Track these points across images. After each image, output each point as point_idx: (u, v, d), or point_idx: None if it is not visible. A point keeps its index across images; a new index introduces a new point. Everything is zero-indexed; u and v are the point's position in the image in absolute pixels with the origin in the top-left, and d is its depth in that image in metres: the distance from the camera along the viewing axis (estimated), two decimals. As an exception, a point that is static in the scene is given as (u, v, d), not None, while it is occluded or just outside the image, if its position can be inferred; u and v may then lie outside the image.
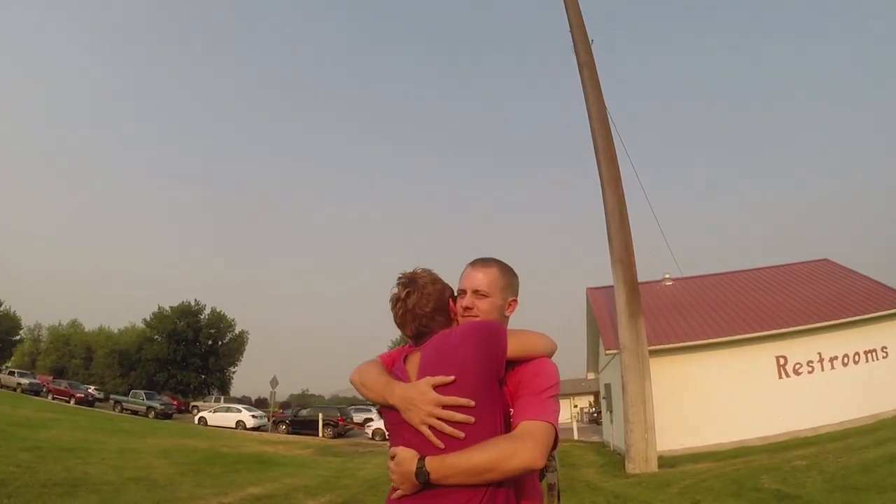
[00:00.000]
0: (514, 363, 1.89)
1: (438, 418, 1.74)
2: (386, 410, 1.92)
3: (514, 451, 1.64)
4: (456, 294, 2.09)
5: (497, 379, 1.82)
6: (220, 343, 69.72)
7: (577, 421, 46.15)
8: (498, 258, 2.19)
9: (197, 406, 49.41)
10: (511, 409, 1.83)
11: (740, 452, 16.09)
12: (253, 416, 39.36)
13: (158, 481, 11.26)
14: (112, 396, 47.93)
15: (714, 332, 20.46)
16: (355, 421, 41.16)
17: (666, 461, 15.34)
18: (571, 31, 17.47)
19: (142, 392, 45.42)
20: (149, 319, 67.11)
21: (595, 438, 28.98)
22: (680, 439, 18.30)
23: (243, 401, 59.37)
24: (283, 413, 43.47)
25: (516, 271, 2.21)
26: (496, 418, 1.77)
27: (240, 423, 38.18)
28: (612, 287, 16.81)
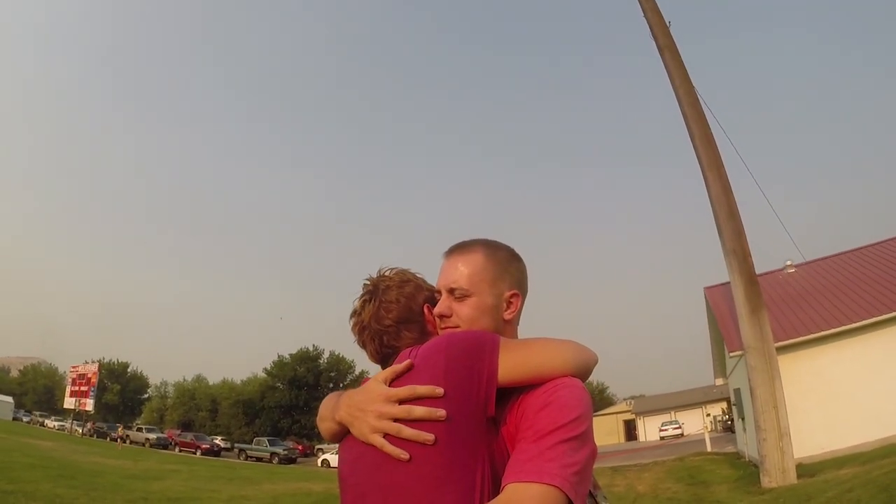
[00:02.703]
0: (518, 391, 1.33)
1: (395, 420, 1.30)
2: (340, 453, 1.50)
3: None
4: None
5: (478, 416, 1.29)
6: (340, 385, 71.45)
7: (711, 431, 43.48)
8: (488, 238, 1.65)
9: (321, 449, 50.78)
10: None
11: (888, 451, 14.56)
12: None
13: (258, 528, 11.22)
14: (237, 445, 50.31)
15: (847, 318, 18.60)
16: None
17: (805, 469, 14.19)
18: (645, 14, 16.85)
19: (265, 439, 47.40)
20: (269, 368, 70.73)
21: (730, 448, 27.04)
22: (819, 443, 16.81)
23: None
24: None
25: (517, 252, 1.66)
26: (472, 475, 1.25)
27: None
28: (729, 283, 15.84)
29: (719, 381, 32.47)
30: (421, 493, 1.24)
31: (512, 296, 1.56)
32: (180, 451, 46.49)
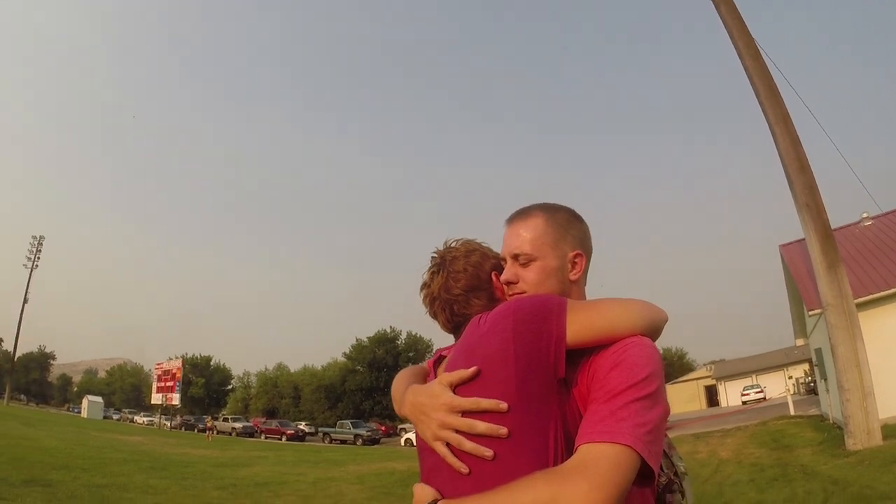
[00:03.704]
0: (588, 351, 1.33)
1: (456, 430, 1.31)
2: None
3: (552, 499, 1.08)
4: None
5: (548, 378, 1.28)
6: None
7: (794, 393, 41.97)
8: (546, 202, 1.65)
9: (404, 428, 51.70)
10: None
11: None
12: None
13: (344, 508, 11.49)
14: (321, 429, 51.60)
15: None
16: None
17: (891, 430, 13.59)
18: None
19: (348, 422, 48.46)
20: (349, 352, 72.78)
21: (813, 411, 26.15)
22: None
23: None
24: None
25: (577, 212, 1.65)
26: (545, 437, 1.25)
27: None
28: (804, 240, 15.26)
29: (800, 342, 31.54)
30: (497, 455, 1.25)
31: (576, 256, 1.56)
32: (266, 438, 48.23)
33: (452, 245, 1.72)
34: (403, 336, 73.08)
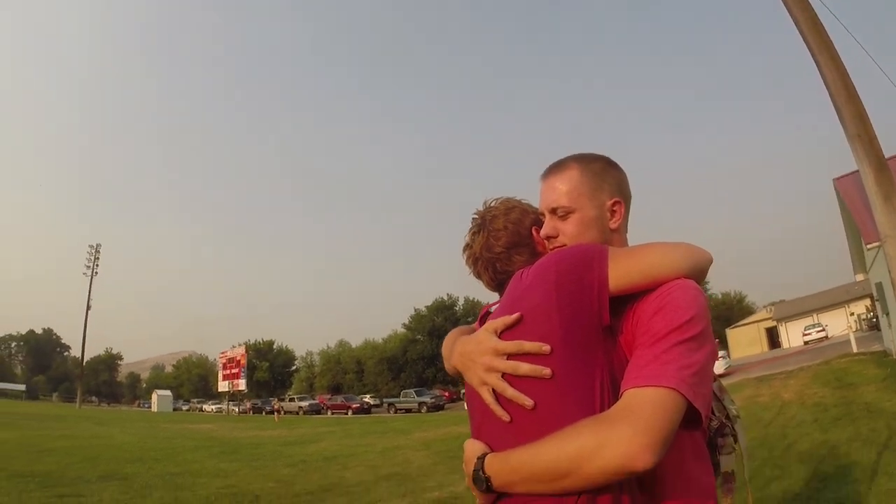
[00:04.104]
0: (632, 298, 1.34)
1: (502, 375, 1.34)
2: (466, 386, 1.54)
3: (599, 445, 1.11)
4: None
5: (593, 326, 1.30)
6: (477, 329, 73.73)
7: (856, 330, 40.71)
8: (581, 153, 1.64)
9: (467, 392, 52.56)
10: None
11: None
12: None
13: (411, 475, 11.61)
14: (385, 400, 52.59)
15: None
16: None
17: None
18: None
19: (412, 391, 49.21)
20: (408, 322, 73.93)
21: (876, 347, 25.41)
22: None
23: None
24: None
25: (612, 160, 1.65)
26: (591, 385, 1.26)
27: None
28: (858, 172, 14.80)
29: (860, 277, 30.70)
30: (543, 403, 1.27)
31: (614, 204, 1.56)
32: (332, 413, 49.34)
33: (492, 204, 1.76)
34: (461, 302, 73.53)
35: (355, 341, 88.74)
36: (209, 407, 73.79)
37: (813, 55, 14.73)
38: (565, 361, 1.27)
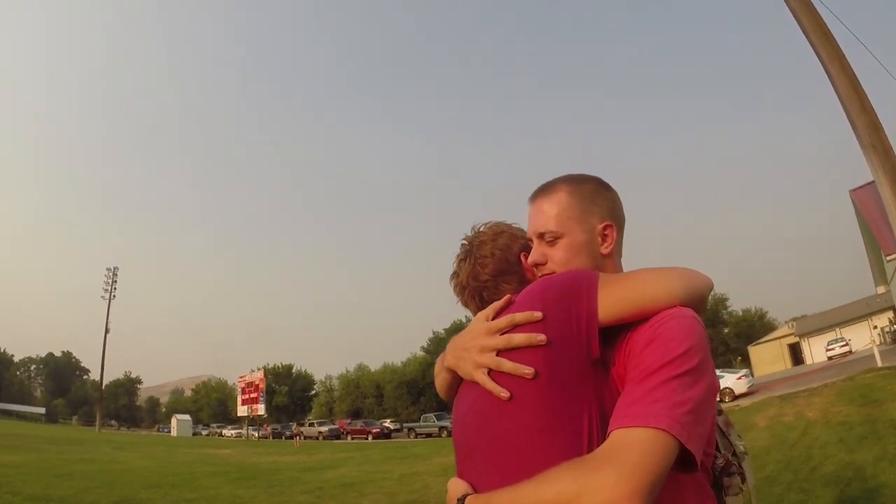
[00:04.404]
0: (625, 328, 1.26)
1: (498, 353, 1.30)
2: (453, 415, 1.51)
3: (579, 492, 0.99)
4: None
5: (581, 359, 1.23)
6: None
7: (880, 344, 39.85)
8: (571, 173, 1.58)
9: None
10: None
11: None
12: (739, 378, 38.97)
13: (429, 502, 11.56)
14: (405, 425, 52.40)
15: None
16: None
17: None
18: None
19: (432, 415, 49.02)
20: (427, 346, 74.97)
21: None
22: None
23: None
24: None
25: (605, 181, 1.58)
26: (578, 422, 1.19)
27: (726, 392, 38.29)
28: (874, 183, 14.70)
29: (881, 289, 30.39)
30: (527, 440, 1.20)
31: (605, 228, 1.49)
32: (352, 438, 49.15)
33: (480, 229, 1.70)
34: None
35: (374, 365, 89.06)
36: (229, 432, 73.92)
37: (824, 66, 14.64)
38: (551, 396, 1.20)
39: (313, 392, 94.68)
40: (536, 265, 1.50)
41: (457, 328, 70.95)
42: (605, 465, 1.01)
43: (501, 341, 1.29)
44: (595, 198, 1.50)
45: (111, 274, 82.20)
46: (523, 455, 1.19)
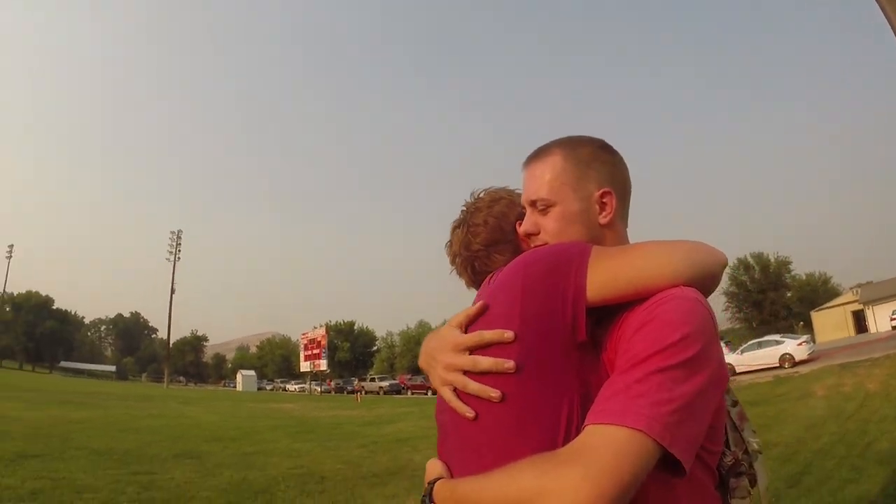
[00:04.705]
0: (622, 308, 1.13)
1: (463, 371, 1.18)
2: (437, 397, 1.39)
3: (540, 492, 0.90)
4: None
5: (564, 343, 1.11)
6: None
7: None
8: (570, 136, 1.42)
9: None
10: None
11: None
12: (800, 345, 36.43)
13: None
14: (465, 381, 53.18)
15: None
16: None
17: None
18: None
19: (491, 371, 49.43)
20: None
21: None
22: None
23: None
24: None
25: (607, 144, 1.42)
26: (556, 412, 1.07)
27: (785, 358, 36.62)
28: None
29: None
30: (496, 431, 1.12)
31: (603, 195, 1.33)
32: (412, 394, 50.39)
33: (479, 195, 1.59)
34: None
35: (434, 321, 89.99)
36: (292, 387, 76.10)
37: (889, 20, 14.03)
38: (525, 384, 1.09)
39: (375, 348, 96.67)
40: (528, 235, 1.39)
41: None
42: (572, 464, 0.90)
43: (468, 362, 1.17)
44: (592, 162, 1.35)
45: (175, 237, 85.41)
46: (494, 446, 1.11)
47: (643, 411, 0.93)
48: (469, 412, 1.14)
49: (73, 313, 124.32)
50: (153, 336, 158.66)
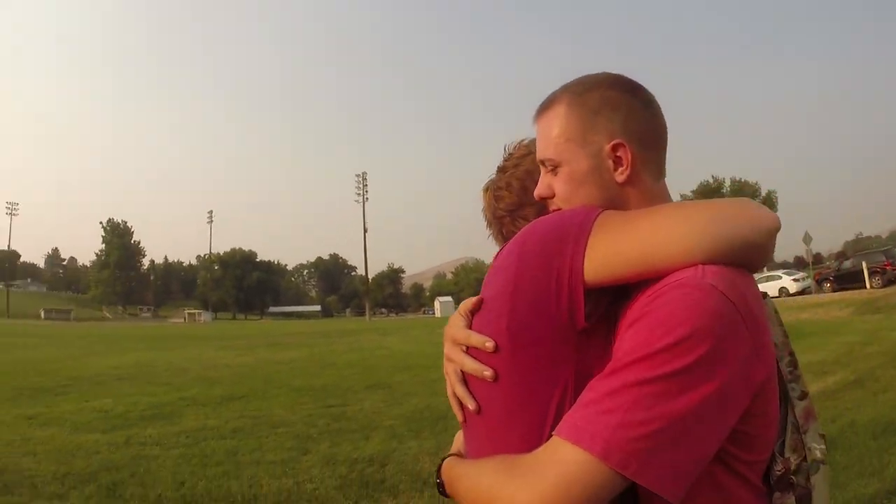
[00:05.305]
0: (638, 287, 0.96)
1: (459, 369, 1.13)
2: None
3: (492, 497, 0.87)
4: None
5: (560, 329, 0.96)
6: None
7: None
8: (579, 78, 1.18)
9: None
10: None
11: None
12: (794, 280, 39.05)
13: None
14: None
15: None
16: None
17: None
18: None
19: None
20: None
21: None
22: None
23: (784, 265, 64.43)
24: (827, 269, 42.86)
25: (628, 82, 1.15)
26: (543, 405, 0.96)
27: (783, 290, 38.14)
28: None
29: None
30: (484, 427, 1.07)
31: (615, 147, 1.09)
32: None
33: (511, 151, 1.47)
34: (727, 184, 71.69)
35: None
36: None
37: None
38: (511, 375, 0.99)
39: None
40: (542, 199, 1.20)
41: (703, 191, 67.94)
42: (526, 477, 0.83)
43: (458, 360, 1.08)
44: (602, 109, 1.10)
45: (361, 179, 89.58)
46: (487, 435, 1.06)
47: (604, 433, 0.80)
48: (458, 415, 1.12)
49: (276, 263, 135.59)
50: (353, 273, 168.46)
